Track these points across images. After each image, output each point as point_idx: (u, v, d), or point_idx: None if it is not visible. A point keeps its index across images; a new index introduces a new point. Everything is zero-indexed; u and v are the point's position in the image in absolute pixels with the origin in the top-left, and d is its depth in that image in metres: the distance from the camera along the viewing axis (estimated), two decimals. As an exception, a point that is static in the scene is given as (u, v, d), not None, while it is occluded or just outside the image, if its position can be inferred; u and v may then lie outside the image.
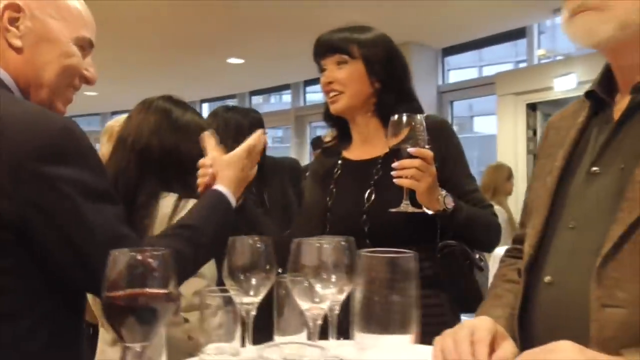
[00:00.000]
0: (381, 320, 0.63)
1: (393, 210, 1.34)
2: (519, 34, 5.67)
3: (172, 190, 1.39)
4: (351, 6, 4.57)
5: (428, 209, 1.35)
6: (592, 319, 0.82)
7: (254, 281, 0.90)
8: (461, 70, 7.35)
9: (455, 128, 7.20)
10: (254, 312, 0.90)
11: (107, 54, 5.86)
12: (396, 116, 1.31)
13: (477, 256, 1.53)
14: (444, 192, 1.36)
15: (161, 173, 1.39)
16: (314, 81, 7.50)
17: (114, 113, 10.07)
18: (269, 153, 2.30)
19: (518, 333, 0.97)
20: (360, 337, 0.62)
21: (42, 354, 0.89)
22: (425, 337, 1.12)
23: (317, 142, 4.45)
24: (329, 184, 1.58)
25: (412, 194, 1.33)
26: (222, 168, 1.20)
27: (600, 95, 0.97)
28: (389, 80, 1.50)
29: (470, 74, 7.52)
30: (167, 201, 1.36)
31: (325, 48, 1.51)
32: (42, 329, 0.89)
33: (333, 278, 0.85)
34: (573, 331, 0.83)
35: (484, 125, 9.01)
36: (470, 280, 1.48)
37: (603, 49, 0.92)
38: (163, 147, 1.41)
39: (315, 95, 8.08)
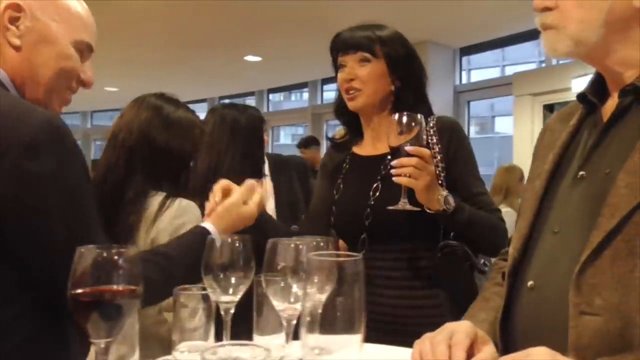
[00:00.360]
0: (330, 321, 0.63)
1: (391, 207, 1.34)
2: (539, 33, 5.58)
3: (161, 189, 1.39)
4: (368, 5, 4.56)
5: (428, 208, 1.35)
6: (570, 326, 0.81)
7: (233, 280, 0.90)
8: (483, 70, 7.28)
9: (474, 128, 7.09)
10: (232, 311, 0.91)
11: (128, 52, 5.96)
12: (397, 115, 1.32)
13: (482, 261, 1.52)
14: (444, 192, 1.36)
15: (150, 170, 1.40)
16: (331, 79, 7.45)
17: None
18: (288, 150, 2.32)
19: (500, 337, 0.96)
20: (310, 338, 0.62)
21: (25, 347, 0.90)
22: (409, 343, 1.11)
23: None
24: (336, 179, 1.59)
25: (412, 192, 1.33)
26: (221, 209, 1.20)
27: (590, 98, 0.96)
28: (409, 79, 1.52)
29: (492, 73, 7.43)
30: (155, 199, 1.37)
31: (347, 45, 1.52)
32: (24, 322, 0.90)
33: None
34: (552, 337, 0.83)
35: (505, 125, 8.92)
36: (469, 282, 1.48)
37: (579, 58, 0.94)
38: (153, 144, 1.41)
39: (332, 94, 8.08)
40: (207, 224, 1.17)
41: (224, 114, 1.99)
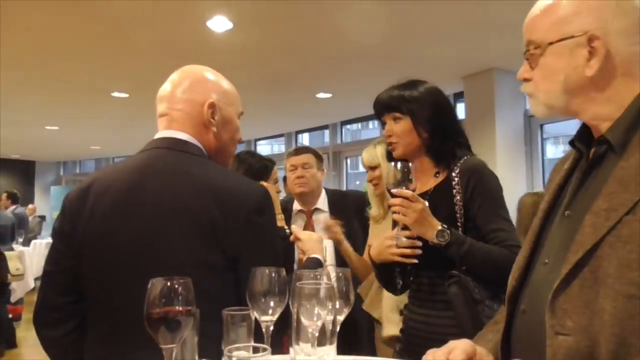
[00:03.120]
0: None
1: (388, 240, 1.62)
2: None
3: None
4: (434, 40, 4.74)
5: (430, 240, 1.58)
6: (547, 344, 0.93)
7: (271, 303, 1.15)
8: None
9: (563, 147, 6.77)
10: (271, 328, 1.15)
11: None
12: (392, 164, 1.60)
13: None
14: (439, 227, 1.57)
15: None
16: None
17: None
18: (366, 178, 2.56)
19: (501, 356, 1.10)
20: (297, 348, 0.84)
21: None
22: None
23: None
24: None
25: None
26: (312, 244, 1.67)
27: (577, 145, 1.10)
28: (435, 131, 1.74)
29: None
30: None
31: (382, 107, 1.80)
32: None
33: (329, 304, 1.08)
34: (538, 353, 0.95)
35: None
36: (473, 310, 1.58)
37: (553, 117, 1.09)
38: None
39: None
40: (315, 256, 1.61)
41: (243, 159, 2.37)
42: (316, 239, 1.71)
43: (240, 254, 1.24)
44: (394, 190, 1.59)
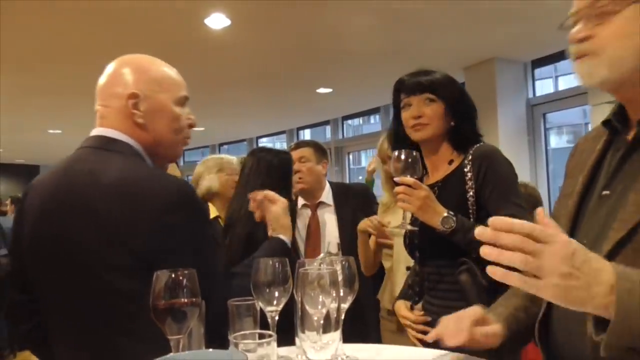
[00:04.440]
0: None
1: (394, 226, 1.62)
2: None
3: None
4: (434, 31, 4.72)
5: (436, 228, 1.59)
6: (588, 327, 0.88)
7: (276, 293, 1.16)
8: (566, 77, 7.09)
9: (566, 137, 6.74)
10: (276, 317, 1.17)
11: (211, 94, 6.49)
12: (395, 153, 1.59)
13: None
14: (445, 214, 1.57)
15: None
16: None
17: (222, 144, 10.93)
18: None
19: (540, 338, 1.09)
20: (302, 336, 0.86)
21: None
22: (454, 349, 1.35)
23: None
24: None
25: None
26: (274, 220, 1.59)
27: (614, 124, 1.09)
28: (461, 118, 1.78)
29: (570, 81, 7.25)
30: None
31: (414, 87, 1.78)
32: None
33: (333, 292, 1.09)
34: (581, 333, 0.93)
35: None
36: (475, 300, 1.57)
37: (605, 88, 1.02)
38: None
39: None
40: (276, 234, 1.54)
41: (260, 157, 2.32)
42: (283, 210, 1.61)
43: (154, 255, 1.15)
44: (396, 179, 1.60)
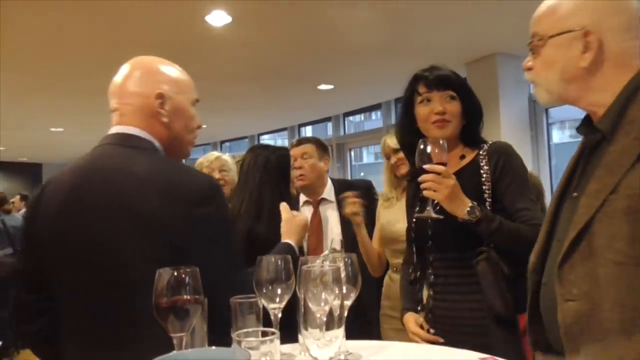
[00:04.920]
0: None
1: (418, 215, 1.61)
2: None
3: None
4: (435, 27, 4.71)
5: (458, 216, 1.58)
6: (558, 310, 1.09)
7: (278, 291, 1.16)
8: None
9: (569, 132, 6.69)
10: (279, 315, 1.17)
11: (212, 92, 6.49)
12: (421, 144, 1.58)
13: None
14: (470, 204, 1.57)
15: None
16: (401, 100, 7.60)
17: (223, 142, 10.93)
18: (372, 169, 2.55)
19: (531, 320, 1.23)
20: (306, 333, 0.85)
21: None
22: (465, 342, 1.39)
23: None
24: (417, 202, 1.86)
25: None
26: (285, 227, 1.67)
27: (578, 131, 1.23)
28: (472, 117, 1.82)
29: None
30: None
31: (438, 82, 1.79)
32: None
33: (336, 289, 1.09)
34: (555, 318, 1.10)
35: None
36: (502, 285, 1.62)
37: (555, 105, 1.25)
38: None
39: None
40: (287, 241, 1.59)
41: (258, 153, 2.32)
42: (297, 223, 1.67)
43: (187, 247, 1.20)
44: (426, 166, 1.56)
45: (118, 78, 1.42)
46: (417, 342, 1.68)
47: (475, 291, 1.64)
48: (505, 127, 5.65)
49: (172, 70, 1.44)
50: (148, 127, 1.37)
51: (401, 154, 2.53)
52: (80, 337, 1.27)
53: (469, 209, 1.57)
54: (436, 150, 1.57)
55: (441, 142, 1.58)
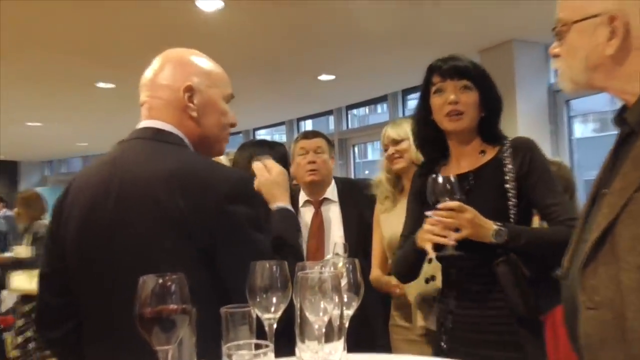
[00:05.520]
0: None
1: (439, 254, 1.68)
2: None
3: None
4: (447, 12, 4.70)
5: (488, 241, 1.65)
6: (579, 318, 1.10)
7: (273, 299, 1.15)
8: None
9: (592, 125, 6.69)
10: (274, 326, 1.16)
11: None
12: (431, 178, 1.64)
13: None
14: (495, 227, 1.64)
15: None
16: (414, 89, 7.63)
17: (216, 137, 10.92)
18: (375, 167, 2.55)
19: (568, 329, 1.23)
20: (302, 346, 0.85)
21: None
22: (491, 342, 1.45)
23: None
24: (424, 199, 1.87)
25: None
26: (270, 188, 1.65)
27: (614, 123, 1.22)
28: (491, 110, 1.85)
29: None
30: None
31: (452, 72, 1.83)
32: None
33: (336, 297, 1.09)
34: (576, 326, 1.11)
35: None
36: (513, 291, 1.68)
37: (580, 92, 1.25)
38: None
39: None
40: (279, 205, 1.60)
41: (251, 152, 2.30)
42: (275, 179, 1.67)
43: (213, 244, 1.26)
44: (441, 205, 1.62)
45: (149, 72, 1.47)
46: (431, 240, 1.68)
47: (498, 293, 1.71)
48: (522, 120, 5.63)
49: (204, 62, 1.48)
50: (176, 122, 1.41)
51: (400, 147, 2.58)
52: (102, 342, 1.32)
53: (494, 232, 1.64)
54: (447, 187, 1.63)
55: (452, 178, 1.65)
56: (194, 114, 1.42)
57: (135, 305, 0.95)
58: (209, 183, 1.29)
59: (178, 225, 1.25)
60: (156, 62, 1.47)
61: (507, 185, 1.74)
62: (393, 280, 2.42)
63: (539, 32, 5.49)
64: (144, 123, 1.43)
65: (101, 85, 6.77)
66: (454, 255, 1.63)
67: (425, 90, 1.89)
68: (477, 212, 1.63)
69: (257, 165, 1.73)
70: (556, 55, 1.23)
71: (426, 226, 1.66)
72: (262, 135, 10.57)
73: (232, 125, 1.52)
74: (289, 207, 1.62)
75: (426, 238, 1.66)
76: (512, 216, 1.73)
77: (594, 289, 1.07)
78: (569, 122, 6.13)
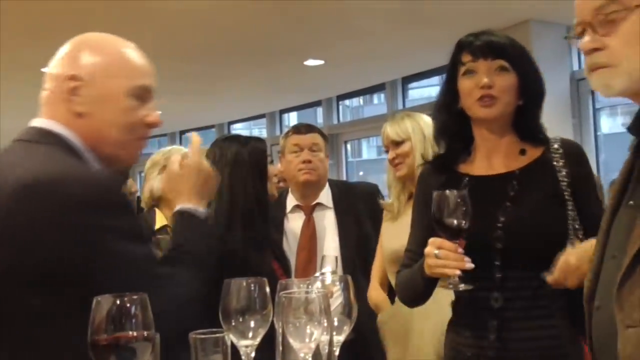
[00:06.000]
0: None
1: (450, 289, 1.62)
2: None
3: None
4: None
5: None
6: (618, 339, 1.10)
7: (251, 323, 1.15)
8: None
9: (621, 119, 6.78)
10: (253, 355, 1.16)
11: (171, 69, 6.45)
12: (436, 193, 1.58)
13: None
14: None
15: None
16: (415, 77, 7.66)
17: (183, 132, 10.90)
18: (374, 167, 2.53)
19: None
20: None
21: None
22: None
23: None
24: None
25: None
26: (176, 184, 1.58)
27: (631, 133, 1.24)
28: (530, 99, 1.79)
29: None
30: None
31: (486, 50, 1.75)
32: None
33: (324, 321, 1.09)
34: (612, 348, 1.12)
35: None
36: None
37: (623, 96, 1.19)
38: None
39: (417, 92, 8.28)
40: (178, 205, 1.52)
41: (224, 146, 2.28)
42: (181, 173, 1.57)
43: (62, 265, 1.21)
44: (437, 252, 1.56)
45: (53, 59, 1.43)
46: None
47: (546, 311, 1.71)
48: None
49: (111, 49, 1.42)
50: (63, 119, 1.36)
51: (402, 149, 2.54)
52: None
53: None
54: (459, 202, 1.57)
55: (463, 191, 1.59)
56: (79, 108, 1.36)
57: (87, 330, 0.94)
58: (56, 192, 1.23)
59: (15, 242, 1.22)
60: (61, 49, 1.43)
61: (565, 193, 1.73)
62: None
63: (560, 12, 5.54)
64: (32, 121, 1.40)
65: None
66: (459, 290, 1.58)
67: (452, 72, 1.82)
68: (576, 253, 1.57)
69: (172, 159, 1.64)
70: (597, 49, 1.15)
71: (442, 252, 1.58)
72: (239, 130, 10.56)
73: (150, 125, 1.45)
74: (194, 207, 1.53)
75: (437, 272, 1.60)
76: (577, 227, 1.73)
77: (633, 306, 1.09)
78: (594, 115, 6.19)
